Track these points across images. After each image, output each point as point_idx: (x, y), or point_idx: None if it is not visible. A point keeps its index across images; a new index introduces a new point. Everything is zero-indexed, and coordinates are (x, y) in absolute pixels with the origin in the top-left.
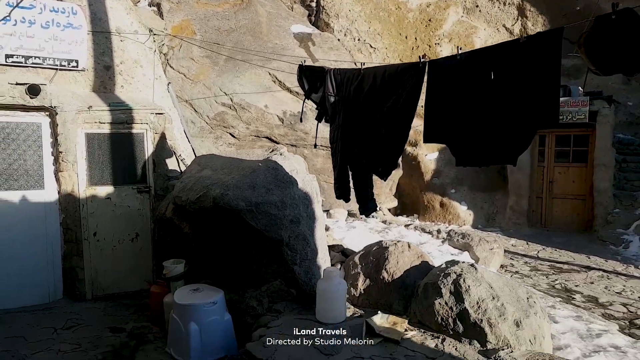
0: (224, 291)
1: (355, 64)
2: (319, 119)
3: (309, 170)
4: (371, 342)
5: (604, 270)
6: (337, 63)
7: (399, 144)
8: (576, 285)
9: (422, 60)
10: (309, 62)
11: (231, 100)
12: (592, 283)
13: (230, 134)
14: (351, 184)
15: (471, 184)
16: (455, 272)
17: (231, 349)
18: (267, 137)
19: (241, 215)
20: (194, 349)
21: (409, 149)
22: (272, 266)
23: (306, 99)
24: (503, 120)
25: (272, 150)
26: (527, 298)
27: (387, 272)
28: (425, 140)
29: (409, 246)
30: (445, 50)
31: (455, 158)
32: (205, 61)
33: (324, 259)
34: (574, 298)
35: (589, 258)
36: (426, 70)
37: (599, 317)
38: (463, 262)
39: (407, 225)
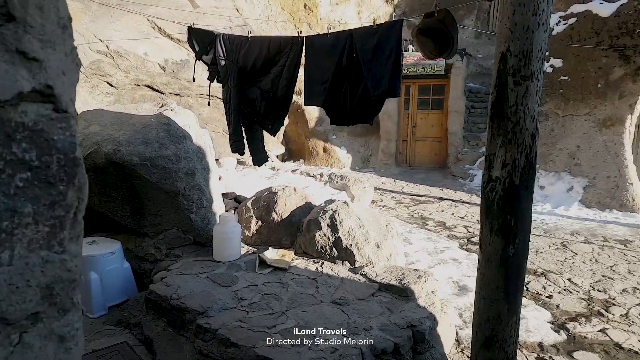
0: (120, 242)
1: (238, 10)
2: (210, 79)
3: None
4: (263, 272)
5: (453, 200)
6: (218, 10)
7: (285, 104)
8: (430, 214)
9: (300, 35)
10: (189, 8)
11: (107, 48)
12: (442, 211)
13: (108, 82)
14: (245, 139)
15: (349, 130)
16: (331, 209)
17: (132, 293)
18: (148, 86)
19: (136, 169)
20: (95, 297)
21: (294, 97)
22: (169, 215)
23: (197, 60)
24: (361, 89)
25: (162, 106)
26: (386, 225)
27: (276, 213)
28: (306, 103)
29: (295, 190)
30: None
31: (329, 118)
32: (76, 5)
33: (219, 206)
34: (427, 224)
35: (442, 190)
36: (303, 44)
37: (445, 237)
38: (339, 200)
39: (293, 171)
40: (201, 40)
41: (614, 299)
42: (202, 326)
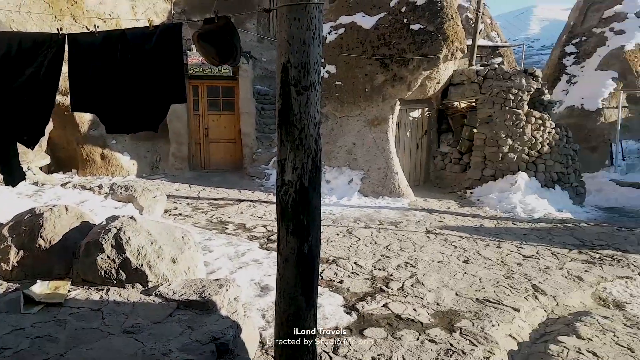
0: None
1: None
2: None
3: None
4: (31, 311)
5: (251, 201)
6: None
7: (45, 112)
8: (229, 217)
9: (60, 33)
10: None
11: None
12: (241, 213)
13: None
14: None
15: (133, 133)
16: (115, 227)
17: None
18: None
19: None
20: None
21: (60, 98)
22: None
23: None
24: (141, 95)
25: None
26: (183, 237)
27: (43, 239)
28: (73, 110)
29: (67, 209)
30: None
31: (104, 126)
32: None
33: None
34: (227, 228)
35: (240, 192)
36: (66, 43)
37: (245, 239)
38: (124, 215)
39: (64, 184)
40: None
41: (391, 275)
42: None
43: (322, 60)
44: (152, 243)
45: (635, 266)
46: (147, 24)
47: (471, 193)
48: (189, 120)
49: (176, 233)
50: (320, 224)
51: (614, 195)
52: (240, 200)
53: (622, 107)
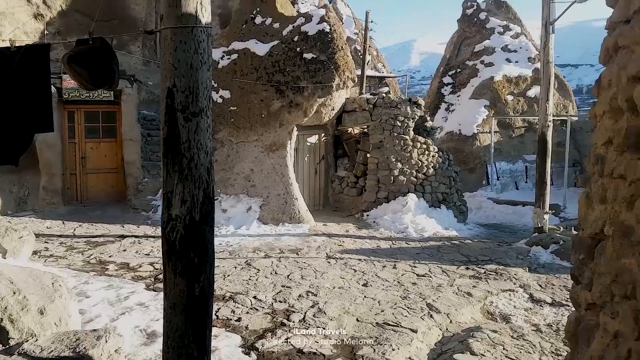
0: None
1: None
2: None
3: None
4: None
5: (136, 236)
6: None
7: None
8: (110, 256)
9: None
10: None
11: None
12: (125, 250)
13: None
14: None
15: None
16: None
17: None
18: None
19: None
20: None
21: None
22: None
23: None
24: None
25: None
26: (53, 283)
27: None
28: None
29: None
30: None
31: None
32: None
33: None
34: (107, 268)
35: (124, 227)
36: None
37: (129, 280)
38: None
39: None
40: None
41: (292, 306)
42: None
43: (215, 84)
44: (14, 293)
45: (516, 279)
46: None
47: (367, 215)
48: (64, 149)
49: (45, 279)
50: (213, 260)
51: (492, 212)
52: (123, 236)
53: (494, 132)
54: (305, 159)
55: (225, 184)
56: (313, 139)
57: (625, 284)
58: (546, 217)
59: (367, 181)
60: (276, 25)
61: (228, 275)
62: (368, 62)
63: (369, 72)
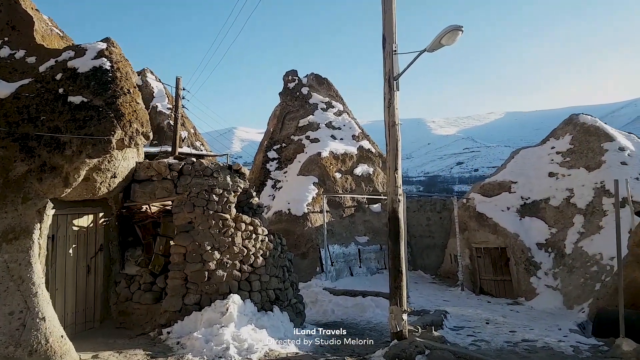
0: None
1: None
2: None
3: None
4: None
5: None
6: None
7: None
8: None
9: None
10: None
11: None
12: None
13: None
14: None
15: None
16: None
17: None
18: None
19: None
20: None
21: None
22: None
23: None
24: None
25: None
26: None
27: None
28: None
29: None
30: None
31: None
32: None
33: None
34: None
35: None
36: None
37: None
38: None
39: None
40: None
41: None
42: None
43: None
44: None
45: None
46: None
47: (168, 333)
48: None
49: None
50: None
51: (330, 307)
52: None
53: (326, 211)
54: (71, 251)
55: None
56: (85, 220)
57: None
58: (405, 317)
59: (170, 280)
60: (31, 59)
61: None
62: (184, 139)
63: (184, 149)
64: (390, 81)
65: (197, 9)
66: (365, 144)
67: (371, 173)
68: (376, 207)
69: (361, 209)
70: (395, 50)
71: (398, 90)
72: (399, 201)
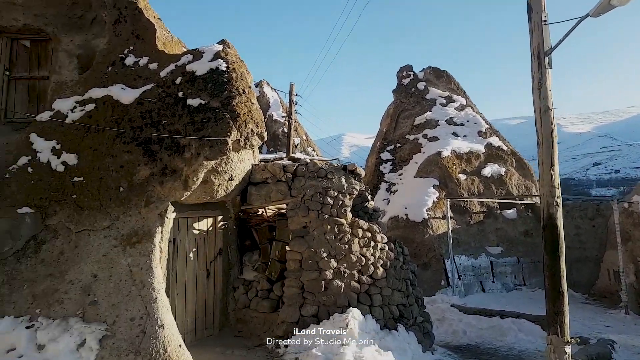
0: None
1: None
2: None
3: None
4: None
5: None
6: None
7: None
8: None
9: None
10: None
11: None
12: None
13: None
14: None
15: None
16: None
17: None
18: None
19: None
20: None
21: None
22: None
23: None
24: None
25: None
26: None
27: None
28: None
29: None
30: None
31: None
32: None
33: None
34: None
35: None
36: None
37: None
38: None
39: None
40: None
41: None
42: None
43: (57, 146)
44: None
45: None
46: None
47: (286, 347)
48: None
49: None
50: None
51: (461, 326)
52: None
53: (450, 217)
54: (191, 255)
55: (50, 300)
56: (204, 224)
57: None
58: (568, 349)
59: (287, 289)
60: (153, 65)
61: None
62: (297, 145)
63: (297, 154)
64: (540, 57)
65: (303, 14)
66: (495, 140)
67: (502, 174)
68: (510, 212)
69: (492, 215)
70: (545, 20)
71: (551, 68)
72: (557, 205)
